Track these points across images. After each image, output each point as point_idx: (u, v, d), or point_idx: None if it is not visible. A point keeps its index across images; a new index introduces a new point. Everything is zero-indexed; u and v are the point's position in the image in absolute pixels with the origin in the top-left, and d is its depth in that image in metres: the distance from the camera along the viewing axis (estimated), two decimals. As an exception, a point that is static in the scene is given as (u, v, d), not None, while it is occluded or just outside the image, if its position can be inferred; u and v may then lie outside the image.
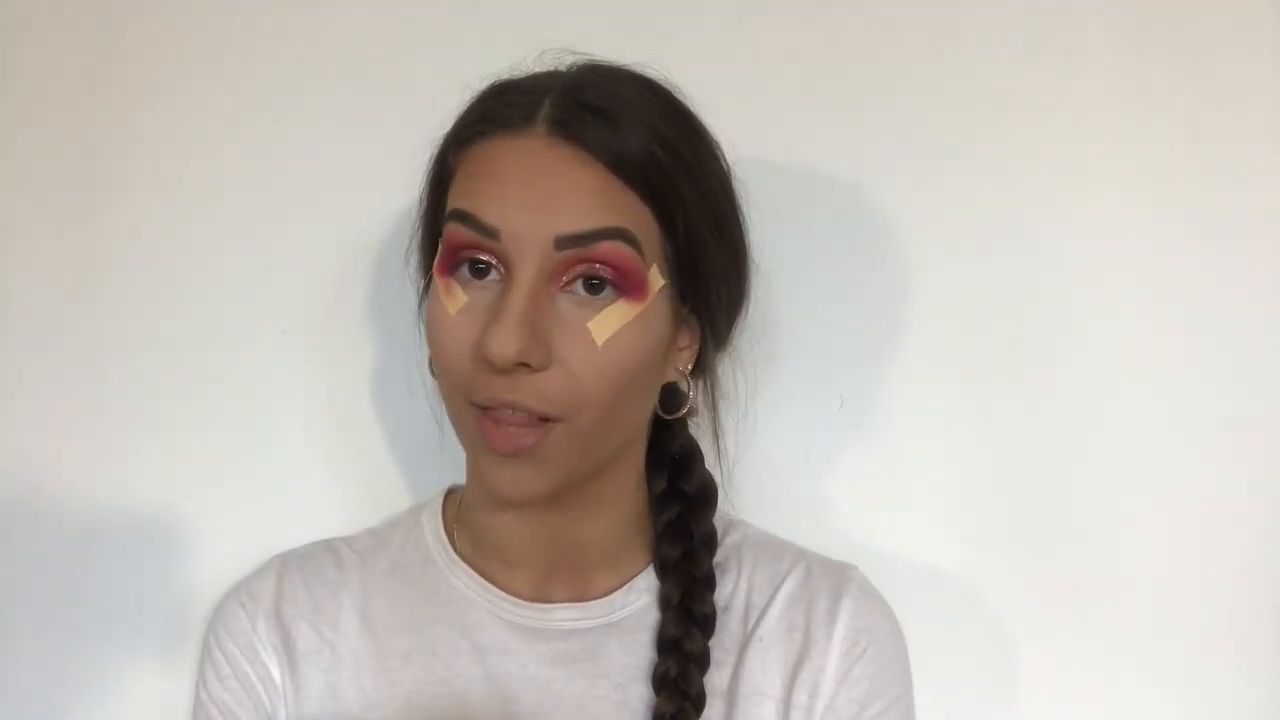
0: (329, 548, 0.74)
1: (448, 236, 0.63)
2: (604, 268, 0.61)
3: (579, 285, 0.61)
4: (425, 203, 0.69)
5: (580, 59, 0.67)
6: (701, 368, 0.70)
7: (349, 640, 0.70)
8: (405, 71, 0.82)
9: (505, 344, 0.59)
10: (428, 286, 0.69)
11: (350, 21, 0.83)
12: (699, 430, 0.74)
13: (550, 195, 0.61)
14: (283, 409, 0.81)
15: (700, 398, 0.72)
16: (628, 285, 0.61)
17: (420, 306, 0.71)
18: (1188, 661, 0.83)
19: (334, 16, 0.83)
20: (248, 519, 0.79)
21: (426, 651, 0.69)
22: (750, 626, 0.70)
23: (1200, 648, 0.83)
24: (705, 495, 0.72)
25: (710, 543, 0.71)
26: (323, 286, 0.82)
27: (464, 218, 0.62)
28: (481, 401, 0.61)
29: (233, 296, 0.81)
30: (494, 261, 0.62)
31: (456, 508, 0.74)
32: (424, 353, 0.70)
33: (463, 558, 0.71)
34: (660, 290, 0.63)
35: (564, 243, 0.60)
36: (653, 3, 0.83)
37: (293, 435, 0.81)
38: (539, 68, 0.67)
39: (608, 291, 0.61)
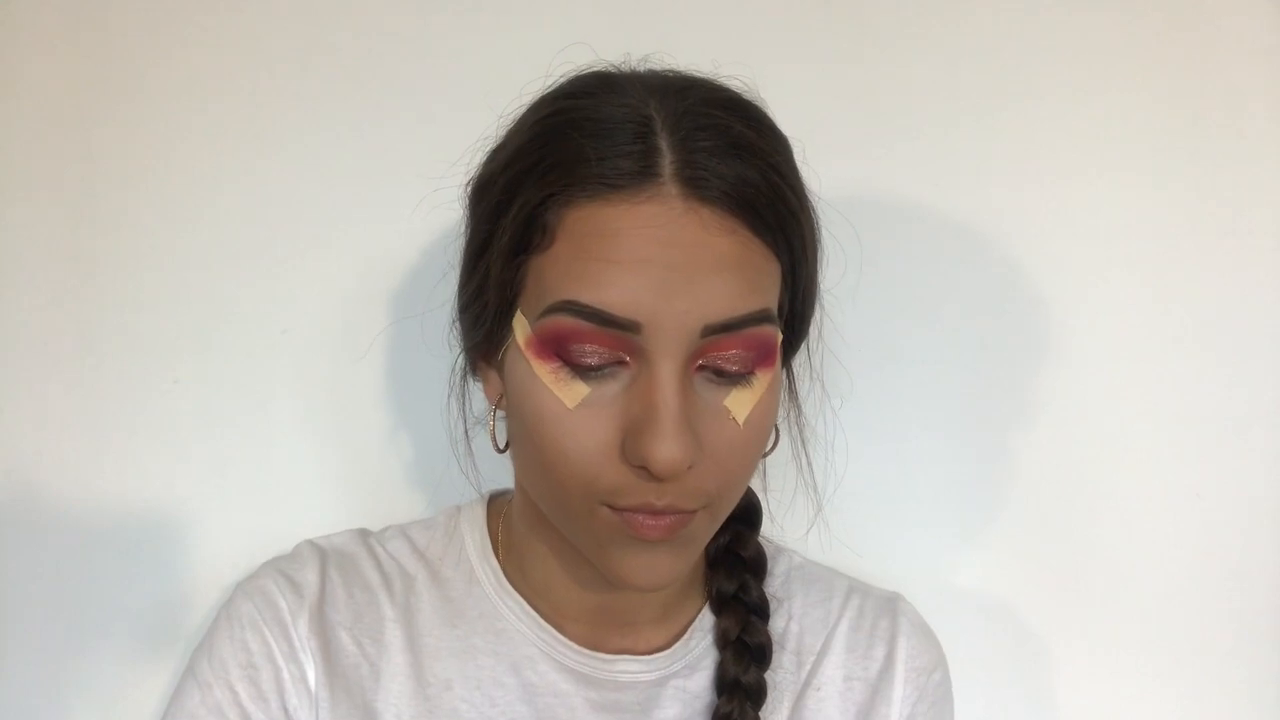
0: (364, 543, 0.69)
1: (557, 327, 0.55)
2: (745, 353, 0.56)
3: (716, 364, 0.56)
4: (499, 255, 0.57)
5: (634, 65, 0.60)
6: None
7: (391, 658, 0.65)
8: (405, 72, 0.82)
9: (672, 452, 0.53)
10: (492, 350, 0.61)
11: (351, 22, 0.83)
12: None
13: (697, 277, 0.53)
14: (283, 409, 0.81)
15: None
16: (762, 358, 0.57)
17: (465, 372, 0.66)
18: (1188, 661, 0.83)
19: (339, 19, 0.83)
20: (248, 519, 0.79)
21: (470, 682, 0.64)
22: (805, 674, 0.68)
23: (1200, 648, 0.83)
24: (749, 517, 0.69)
25: (759, 568, 0.69)
26: (323, 286, 0.82)
27: (589, 314, 0.54)
28: (627, 507, 0.56)
29: (233, 297, 0.81)
30: (624, 355, 0.55)
31: (499, 522, 0.69)
32: (421, 361, 0.70)
33: (513, 586, 0.67)
34: (780, 343, 0.59)
35: (710, 330, 0.54)
36: (652, 1, 0.83)
37: (293, 435, 0.81)
38: (565, 73, 0.60)
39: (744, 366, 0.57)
